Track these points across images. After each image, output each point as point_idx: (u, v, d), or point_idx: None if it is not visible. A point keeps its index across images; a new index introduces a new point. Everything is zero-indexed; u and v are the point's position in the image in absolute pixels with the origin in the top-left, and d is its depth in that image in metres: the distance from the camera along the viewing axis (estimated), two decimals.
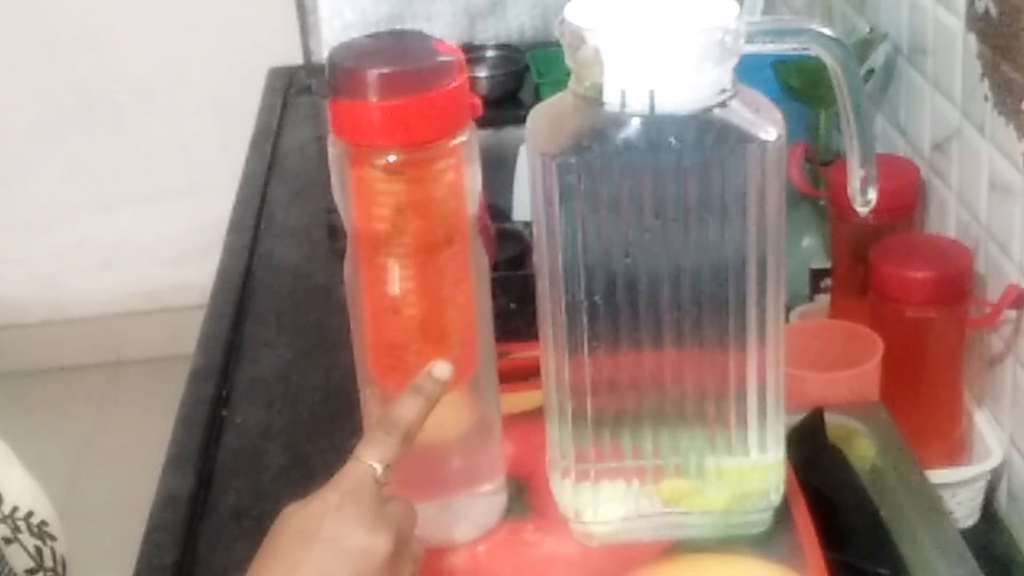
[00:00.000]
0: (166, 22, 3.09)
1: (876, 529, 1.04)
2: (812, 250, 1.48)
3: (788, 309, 1.32)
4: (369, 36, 0.96)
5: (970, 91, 1.27)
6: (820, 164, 1.47)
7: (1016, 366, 1.21)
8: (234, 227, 1.83)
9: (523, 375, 1.07)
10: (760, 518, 0.97)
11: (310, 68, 2.36)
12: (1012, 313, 1.20)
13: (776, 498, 0.97)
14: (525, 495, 1.03)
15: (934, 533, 1.04)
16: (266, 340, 1.55)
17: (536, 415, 1.00)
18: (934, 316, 1.22)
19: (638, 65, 0.87)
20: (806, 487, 1.01)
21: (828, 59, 0.92)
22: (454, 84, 0.90)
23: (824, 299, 1.42)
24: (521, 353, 1.09)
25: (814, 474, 1.05)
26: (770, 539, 0.97)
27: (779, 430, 0.96)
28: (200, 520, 1.25)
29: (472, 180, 0.93)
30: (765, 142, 0.88)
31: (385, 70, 0.88)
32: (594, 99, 0.89)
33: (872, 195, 0.96)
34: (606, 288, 0.90)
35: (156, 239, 3.25)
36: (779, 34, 0.91)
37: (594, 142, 0.89)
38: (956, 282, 1.22)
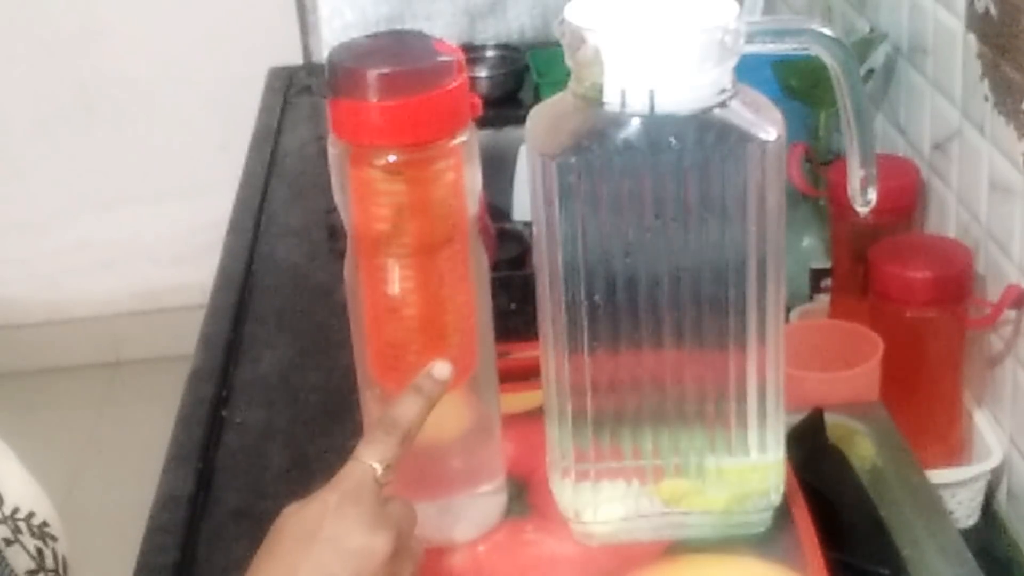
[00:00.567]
0: (166, 22, 3.09)
1: (876, 529, 1.04)
2: (812, 250, 1.48)
3: (788, 309, 1.32)
4: (369, 36, 0.96)
5: (970, 91, 1.27)
6: (820, 164, 1.47)
7: (1016, 366, 1.21)
8: (234, 227, 1.83)
9: (523, 375, 1.07)
10: (760, 518, 0.97)
11: (310, 68, 2.36)
12: (1012, 313, 1.20)
13: (776, 498, 0.97)
14: (525, 495, 1.03)
15: (934, 533, 1.04)
16: (266, 340, 1.55)
17: (536, 415, 1.00)
18: (934, 316, 1.22)
19: (638, 65, 0.87)
20: (806, 487, 1.01)
21: (828, 59, 0.92)
22: (454, 84, 0.90)
23: (824, 299, 1.42)
24: (521, 353, 1.09)
25: (814, 474, 1.05)
26: (770, 539, 0.97)
27: (779, 430, 0.96)
28: (200, 520, 1.25)
29: (472, 180, 0.93)
30: (765, 142, 0.88)
31: (385, 70, 0.88)
32: (594, 99, 0.89)
33: (872, 195, 0.96)
34: (606, 288, 0.90)
35: (156, 239, 3.25)
36: (779, 34, 0.91)
37: (594, 142, 0.89)
38: (956, 282, 1.22)
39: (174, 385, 1.49)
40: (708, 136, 0.88)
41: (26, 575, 0.88)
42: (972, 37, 1.25)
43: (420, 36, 0.94)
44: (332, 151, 0.92)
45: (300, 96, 2.29)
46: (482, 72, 2.12)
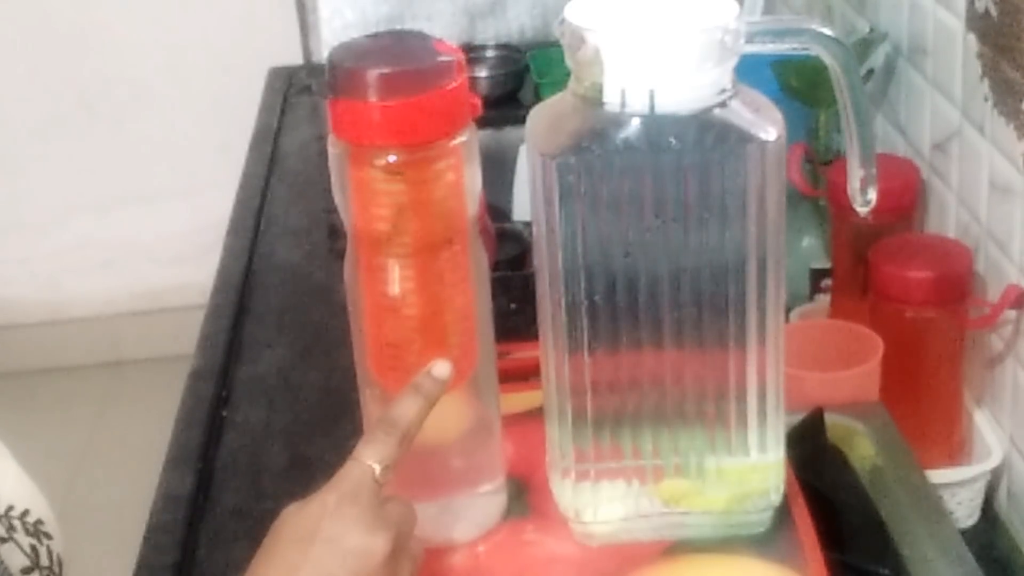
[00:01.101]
0: (166, 22, 3.09)
1: (876, 529, 1.04)
2: (812, 250, 1.48)
3: (788, 309, 1.32)
4: (369, 36, 0.96)
5: (970, 91, 1.27)
6: (820, 164, 1.47)
7: (1016, 366, 1.21)
8: (234, 227, 1.83)
9: (523, 375, 1.07)
10: (760, 518, 0.97)
11: (310, 68, 2.36)
12: (1012, 313, 1.20)
13: (776, 498, 0.97)
14: (525, 495, 1.03)
15: (934, 533, 1.04)
16: (266, 340, 1.55)
17: (536, 415, 1.00)
18: (934, 316, 1.22)
19: (638, 65, 0.87)
20: (806, 487, 1.01)
21: (828, 59, 0.92)
22: (454, 84, 0.90)
23: (824, 299, 1.42)
24: (521, 353, 1.09)
25: (814, 474, 1.05)
26: (770, 539, 0.97)
27: (779, 430, 0.96)
28: (200, 520, 1.25)
29: (472, 180, 0.93)
30: (765, 142, 0.88)
31: (385, 70, 0.88)
32: (594, 99, 0.89)
33: (872, 195, 0.96)
34: (606, 288, 0.90)
35: (156, 239, 3.25)
36: (779, 34, 0.91)
37: (594, 142, 0.89)
38: (956, 282, 1.22)
39: (174, 385, 1.49)
40: (708, 136, 0.88)
41: (20, 573, 0.88)
42: (972, 37, 1.25)
43: (420, 36, 0.94)
44: (332, 151, 0.92)
45: (300, 96, 2.29)
46: (482, 72, 2.12)
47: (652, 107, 0.88)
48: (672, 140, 0.88)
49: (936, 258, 1.24)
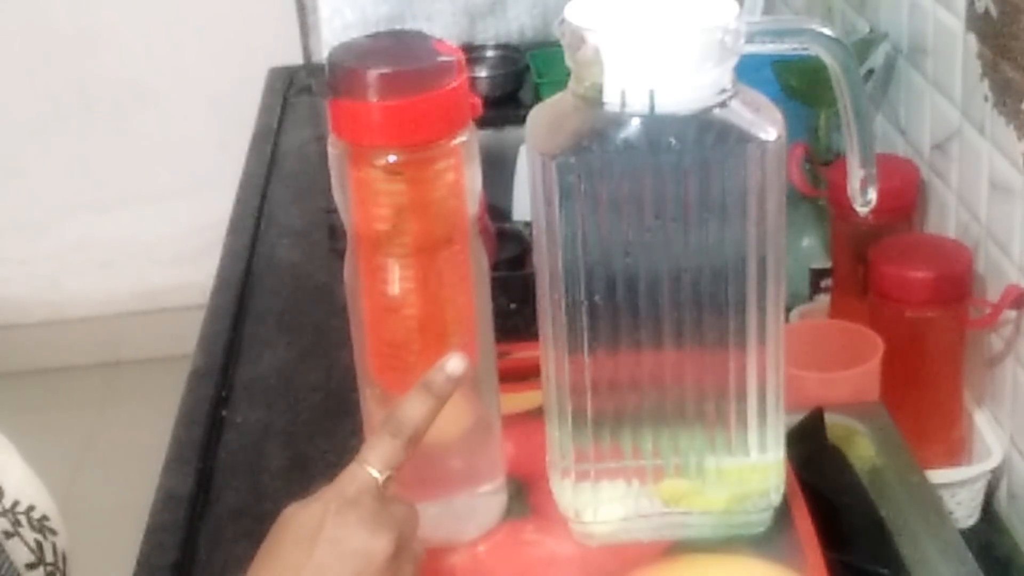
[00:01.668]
0: (166, 22, 3.09)
1: (876, 529, 1.04)
2: (812, 250, 1.48)
3: (788, 309, 1.32)
4: (369, 36, 0.96)
5: (970, 91, 1.27)
6: (820, 164, 1.47)
7: (1016, 366, 1.21)
8: (234, 227, 1.83)
9: (523, 375, 1.07)
10: (760, 518, 0.97)
11: (310, 68, 2.37)
12: (1012, 313, 1.20)
13: (776, 498, 0.97)
14: (525, 495, 1.03)
15: (934, 533, 1.04)
16: (266, 340, 1.55)
17: (536, 415, 1.00)
18: (934, 316, 1.22)
19: (638, 65, 0.87)
20: (806, 487, 1.01)
21: (828, 59, 0.92)
22: (454, 84, 0.90)
23: (824, 299, 1.42)
24: (521, 353, 1.09)
25: (814, 474, 1.05)
26: (770, 539, 0.97)
27: (779, 430, 0.96)
28: (200, 520, 1.25)
29: (472, 180, 0.93)
30: (765, 142, 0.88)
31: (385, 70, 0.88)
32: (594, 99, 0.89)
33: (872, 195, 0.96)
34: (606, 288, 0.90)
35: (156, 239, 3.25)
36: (779, 34, 0.91)
37: (594, 142, 0.89)
38: (956, 282, 1.22)
39: (174, 385, 1.49)
40: (708, 136, 0.88)
41: (25, 568, 0.88)
42: (972, 37, 1.25)
43: (420, 36, 0.94)
44: (332, 151, 0.92)
45: (300, 96, 2.29)
46: (482, 72, 2.12)
47: (652, 107, 0.87)
48: (672, 140, 0.88)
49: (936, 258, 1.24)
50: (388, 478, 0.85)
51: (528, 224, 1.34)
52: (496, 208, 1.68)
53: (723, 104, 0.89)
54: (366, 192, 0.91)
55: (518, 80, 2.14)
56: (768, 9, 1.84)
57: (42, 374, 3.24)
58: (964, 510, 1.22)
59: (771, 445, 0.95)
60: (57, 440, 2.91)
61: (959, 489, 1.21)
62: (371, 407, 0.98)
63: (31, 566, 0.88)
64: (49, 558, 0.90)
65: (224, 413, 1.41)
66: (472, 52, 2.15)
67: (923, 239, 1.36)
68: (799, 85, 1.43)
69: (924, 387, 1.25)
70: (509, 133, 1.89)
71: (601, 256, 0.90)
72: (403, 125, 0.88)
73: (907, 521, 1.05)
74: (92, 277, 3.28)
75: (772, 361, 0.93)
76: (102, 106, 3.15)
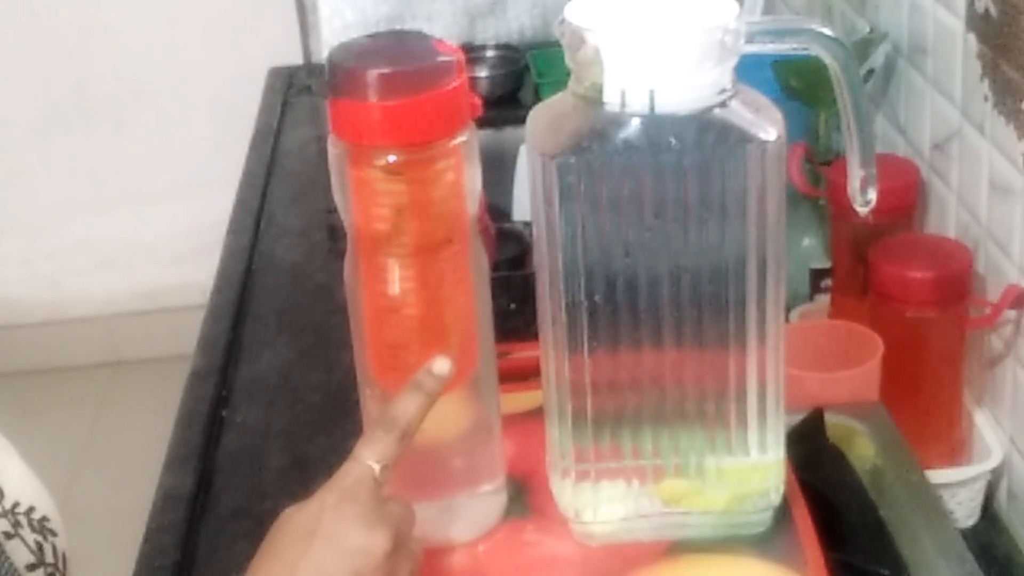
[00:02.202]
0: (166, 22, 3.09)
1: (876, 529, 1.04)
2: (812, 250, 1.48)
3: (788, 309, 1.32)
4: (369, 36, 0.96)
5: (970, 91, 1.27)
6: (820, 164, 1.46)
7: (1016, 366, 1.21)
8: (234, 227, 1.83)
9: (523, 375, 1.07)
10: (760, 518, 0.97)
11: (310, 68, 2.37)
12: (1012, 313, 1.20)
13: (776, 498, 0.97)
14: (525, 495, 1.03)
15: (934, 533, 1.04)
16: (266, 340, 1.55)
17: (536, 415, 1.00)
18: (934, 316, 1.22)
19: (638, 65, 0.87)
20: (806, 487, 1.01)
21: (828, 59, 0.92)
22: (454, 84, 0.90)
23: (824, 299, 1.42)
24: (521, 353, 1.09)
25: (814, 474, 1.05)
26: (770, 539, 0.97)
27: (779, 430, 0.96)
28: (200, 520, 1.25)
29: (472, 180, 0.93)
30: (765, 142, 0.88)
31: (385, 70, 0.88)
32: (594, 99, 0.89)
33: (872, 195, 0.96)
34: (606, 288, 0.90)
35: (156, 239, 3.25)
36: (779, 34, 0.91)
37: (594, 142, 0.89)
38: (956, 282, 1.22)
39: (174, 385, 1.49)
40: (708, 136, 0.88)
41: (26, 569, 0.88)
42: (972, 37, 1.25)
43: (420, 36, 0.94)
44: (332, 151, 0.92)
45: (300, 96, 2.29)
46: (482, 72, 2.12)
47: (652, 107, 0.88)
48: (672, 140, 0.88)
49: (936, 258, 1.24)
50: (384, 469, 0.85)
51: (528, 224, 1.34)
52: (496, 208, 1.68)
53: (723, 104, 0.89)
54: (366, 192, 0.91)
55: (518, 80, 2.14)
56: (768, 9, 1.84)
57: (42, 374, 3.24)
58: (964, 510, 1.22)
59: (771, 445, 0.96)
60: (57, 440, 2.91)
61: (959, 489, 1.21)
62: (371, 407, 0.98)
63: (31, 567, 0.89)
64: (49, 559, 0.90)
65: (224, 413, 1.41)
66: (472, 52, 2.15)
67: (923, 239, 1.36)
68: (799, 85, 1.43)
69: (924, 387, 1.25)
70: (509, 133, 1.89)
71: (601, 256, 0.90)
72: (403, 125, 0.88)
73: (907, 521, 1.05)
74: (92, 277, 3.28)
75: (772, 361, 0.93)
76: (102, 106, 3.15)
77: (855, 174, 0.95)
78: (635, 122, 0.88)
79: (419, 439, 0.89)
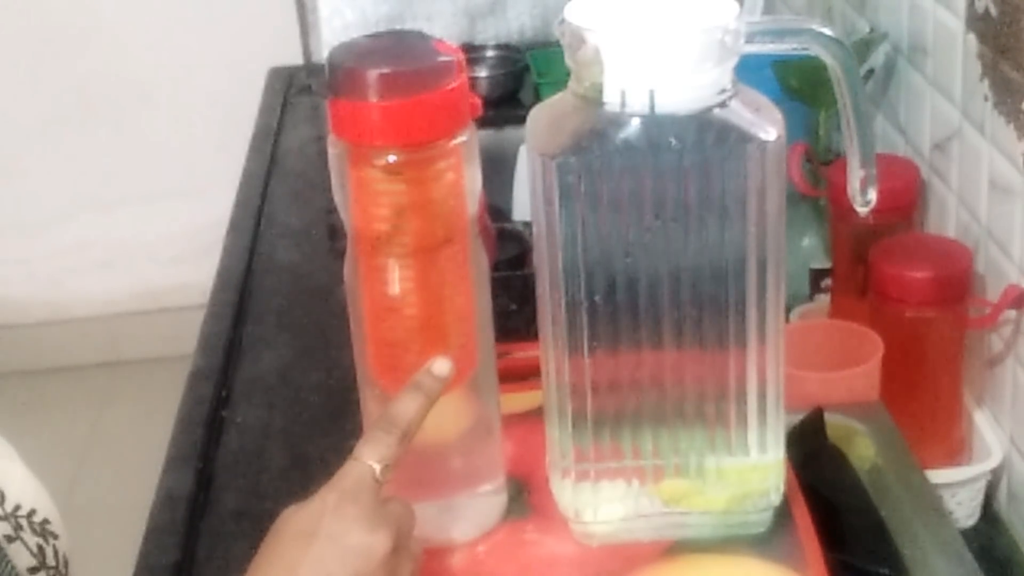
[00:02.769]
0: (166, 22, 3.09)
1: (876, 529, 1.04)
2: (812, 250, 1.48)
3: (788, 309, 1.32)
4: (369, 36, 0.96)
5: (970, 91, 1.27)
6: (820, 164, 1.47)
7: (1016, 366, 1.21)
8: (234, 227, 1.83)
9: (523, 375, 1.07)
10: (760, 518, 0.97)
11: (310, 68, 2.36)
12: (1012, 313, 1.20)
13: (776, 498, 0.97)
14: (525, 495, 1.03)
15: (934, 533, 1.04)
16: (266, 340, 1.55)
17: (536, 415, 1.00)
18: (934, 316, 1.22)
19: (638, 65, 0.87)
20: (806, 487, 1.01)
21: (828, 59, 0.92)
22: (454, 84, 0.90)
23: (824, 299, 1.42)
24: (521, 353, 1.09)
25: (814, 474, 1.05)
26: (770, 539, 0.97)
27: (779, 430, 0.96)
28: (200, 520, 1.25)
29: (472, 180, 0.93)
30: (765, 142, 0.88)
31: (385, 70, 0.88)
32: (594, 99, 0.89)
33: (872, 195, 0.96)
34: (606, 288, 0.90)
35: (156, 239, 3.25)
36: (779, 34, 0.91)
37: (594, 142, 0.89)
38: (956, 282, 1.22)
39: (174, 385, 1.49)
40: (708, 136, 0.88)
41: (27, 572, 0.88)
42: (972, 37, 1.25)
43: (420, 36, 0.94)
44: (332, 151, 0.92)
45: (300, 96, 2.29)
46: (482, 72, 2.12)
47: (652, 107, 0.88)
48: (672, 140, 0.88)
49: (936, 258, 1.24)
50: (385, 470, 0.85)
51: (528, 224, 1.34)
52: (496, 208, 1.68)
53: (723, 104, 0.89)
54: (366, 192, 0.91)
55: (518, 80, 2.14)
56: (768, 9, 1.84)
57: (42, 374, 3.24)
58: (964, 510, 1.22)
59: (771, 445, 0.96)
60: (57, 440, 2.91)
61: (959, 489, 1.21)
62: (371, 407, 0.98)
63: (33, 570, 0.89)
64: (51, 562, 0.90)
65: (224, 413, 1.41)
66: (472, 52, 2.15)
67: (923, 239, 1.36)
68: (799, 85, 1.43)
69: (924, 387, 1.25)
70: (509, 133, 1.89)
71: (601, 256, 0.90)
72: (403, 125, 0.88)
73: (907, 521, 1.05)
74: (92, 277, 3.28)
75: (772, 361, 0.93)
76: (102, 106, 3.15)
77: (855, 174, 0.95)
78: (635, 122, 0.88)
79: (419, 439, 0.89)
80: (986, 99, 1.23)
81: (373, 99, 0.88)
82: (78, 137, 3.16)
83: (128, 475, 2.13)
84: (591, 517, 0.97)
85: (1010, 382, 1.22)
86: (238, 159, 2.06)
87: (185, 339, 1.69)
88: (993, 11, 1.20)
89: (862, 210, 0.97)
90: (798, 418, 1.11)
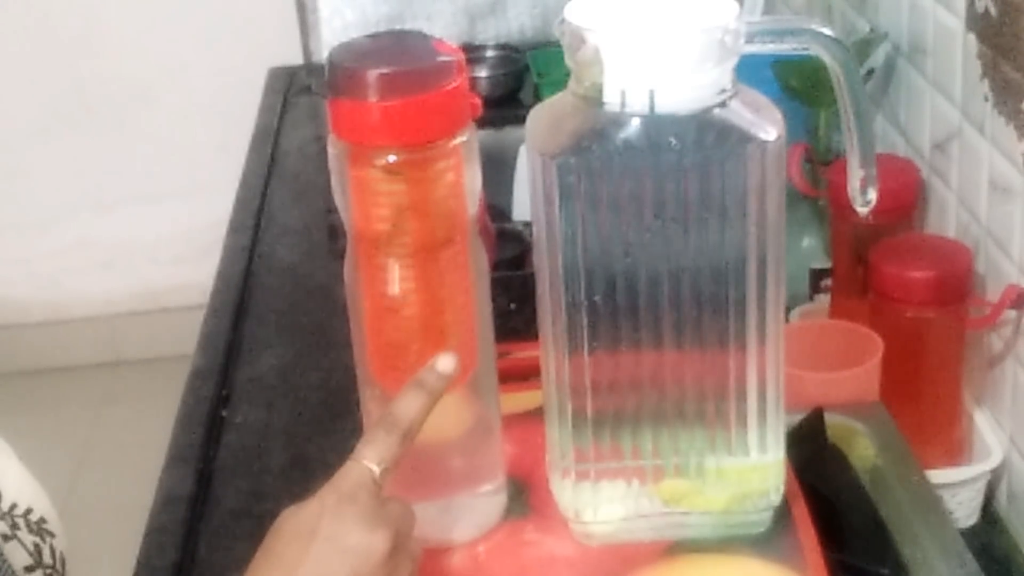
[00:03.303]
0: (166, 22, 3.09)
1: (876, 529, 1.04)
2: (812, 250, 1.48)
3: (788, 309, 1.32)
4: (369, 36, 0.96)
5: (970, 91, 1.27)
6: (820, 164, 1.47)
7: (1016, 366, 1.21)
8: (234, 227, 1.83)
9: (523, 375, 1.07)
10: (760, 518, 0.97)
11: (310, 68, 2.36)
12: (1012, 313, 1.20)
13: (776, 498, 0.97)
14: (525, 495, 1.03)
15: (934, 533, 1.04)
16: (266, 340, 1.55)
17: (536, 415, 1.00)
18: (934, 316, 1.22)
19: (638, 65, 0.87)
20: (806, 487, 1.01)
21: (828, 59, 0.92)
22: (454, 84, 0.90)
23: (824, 299, 1.42)
24: (521, 353, 1.09)
25: (814, 474, 1.05)
26: (770, 539, 0.97)
27: (779, 430, 0.96)
28: (200, 520, 1.25)
29: (472, 180, 0.93)
30: (765, 142, 0.88)
31: (385, 70, 0.88)
32: (594, 99, 0.89)
33: (872, 195, 0.96)
34: (606, 288, 0.90)
35: (156, 239, 3.25)
36: (779, 34, 0.91)
37: (594, 142, 0.89)
38: (956, 282, 1.22)
39: (174, 385, 1.49)
40: (708, 136, 0.88)
41: (23, 571, 0.88)
42: (972, 37, 1.25)
43: (420, 36, 0.94)
44: (332, 151, 0.92)
45: (300, 96, 2.29)
46: (482, 72, 2.12)
47: (652, 107, 0.88)
48: (672, 140, 0.88)
49: (936, 258, 1.24)
50: (384, 471, 0.85)
51: (528, 224, 1.34)
52: (496, 208, 1.68)
53: (723, 104, 0.89)
54: (366, 192, 0.91)
55: (518, 80, 2.14)
56: (768, 9, 1.84)
57: (42, 374, 3.24)
58: (964, 510, 1.22)
59: (771, 445, 0.96)
60: (57, 440, 2.91)
61: (959, 489, 1.21)
62: (371, 407, 0.98)
63: (29, 569, 0.88)
64: (47, 560, 0.90)
65: (224, 413, 1.41)
66: (472, 52, 2.14)
67: (923, 239, 1.36)
68: (799, 85, 1.43)
69: (924, 387, 1.25)
70: (509, 133, 1.89)
71: (601, 256, 0.90)
72: (403, 125, 0.88)
73: (907, 521, 1.05)
74: (92, 277, 3.28)
75: (772, 361, 0.93)
76: (102, 106, 3.15)
77: (855, 174, 0.95)
78: (635, 122, 0.88)
79: (419, 439, 0.89)
80: (986, 99, 1.23)
81: (373, 99, 0.88)
82: (78, 137, 3.16)
83: (128, 475, 2.13)
84: (591, 517, 0.97)
85: (1010, 382, 1.22)
86: (238, 159, 2.06)
87: (185, 339, 1.69)
88: (993, 11, 1.20)
89: (862, 210, 0.97)
90: (798, 418, 1.11)
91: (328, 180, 0.93)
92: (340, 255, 0.96)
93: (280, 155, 2.06)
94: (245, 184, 1.96)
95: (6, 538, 0.87)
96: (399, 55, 0.91)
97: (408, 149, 0.89)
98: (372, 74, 0.88)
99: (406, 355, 0.93)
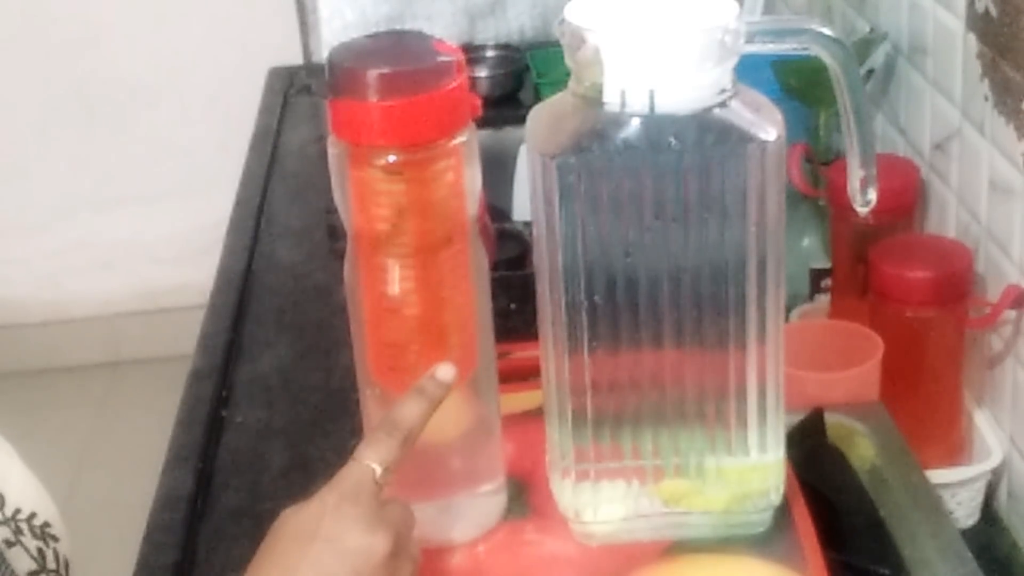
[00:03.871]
0: (166, 22, 3.09)
1: (876, 529, 1.04)
2: (812, 250, 1.48)
3: (788, 309, 1.32)
4: (369, 36, 0.96)
5: (970, 91, 1.27)
6: (820, 164, 1.47)
7: (1016, 366, 1.21)
8: (234, 227, 1.83)
9: (523, 375, 1.07)
10: (760, 518, 0.97)
11: (310, 68, 2.36)
12: (1012, 313, 1.20)
13: (776, 498, 0.97)
14: (525, 495, 1.03)
15: (934, 533, 1.04)
16: (266, 340, 1.55)
17: (536, 415, 1.00)
18: (934, 316, 1.22)
19: (638, 65, 0.87)
20: (806, 487, 1.01)
21: (828, 59, 0.92)
22: (454, 84, 0.90)
23: (824, 299, 1.42)
24: (521, 353, 1.09)
25: (814, 474, 1.05)
26: (770, 539, 0.97)
27: (779, 430, 0.96)
28: (200, 520, 1.25)
29: (472, 180, 0.93)
30: (765, 142, 0.88)
31: (385, 70, 0.88)
32: (594, 99, 0.89)
33: (872, 195, 0.96)
34: (606, 288, 0.90)
35: (156, 239, 3.25)
36: (779, 34, 0.92)
37: (594, 142, 0.89)
38: (956, 282, 1.22)
39: (174, 385, 1.49)
40: (708, 136, 0.88)
41: None
42: (972, 37, 1.25)
43: (420, 36, 0.94)
44: (332, 151, 0.92)
45: (300, 96, 2.29)
46: (482, 72, 2.12)
47: (652, 107, 0.88)
48: (672, 140, 0.88)
49: (936, 258, 1.24)
50: (385, 472, 0.85)
51: (528, 224, 1.34)
52: (496, 208, 1.68)
53: (723, 104, 0.89)
54: (366, 192, 0.91)
55: (518, 80, 2.14)
56: (768, 9, 1.84)
57: (42, 374, 3.24)
58: (964, 510, 1.22)
59: (771, 445, 0.96)
60: (57, 440, 2.91)
61: (959, 489, 1.21)
62: (371, 407, 0.98)
63: (33, 574, 0.88)
64: (51, 565, 0.90)
65: (224, 413, 1.41)
66: (472, 52, 2.15)
67: (923, 239, 1.36)
68: (799, 85, 1.43)
69: (924, 387, 1.25)
70: (509, 133, 1.89)
71: (601, 256, 0.90)
72: (403, 125, 0.88)
73: (907, 521, 1.05)
74: (92, 277, 3.28)
75: (772, 361, 0.93)
76: (102, 106, 3.14)
77: (855, 174, 0.95)
78: (635, 122, 0.88)
79: (419, 439, 0.89)
80: (986, 99, 1.23)
81: (373, 99, 0.88)
82: (78, 137, 3.16)
83: (128, 475, 2.13)
84: (591, 517, 0.97)
85: (1010, 382, 1.22)
86: (238, 159, 2.06)
87: (185, 339, 1.69)
88: (993, 11, 1.20)
89: (862, 210, 0.97)
90: (798, 418, 1.11)
91: (328, 180, 0.93)
92: (340, 255, 0.96)
93: (280, 155, 2.06)
94: (245, 184, 1.96)
95: (9, 544, 0.87)
96: (399, 55, 0.91)
97: (408, 149, 0.89)
98: (372, 74, 0.88)
99: (406, 355, 0.93)
